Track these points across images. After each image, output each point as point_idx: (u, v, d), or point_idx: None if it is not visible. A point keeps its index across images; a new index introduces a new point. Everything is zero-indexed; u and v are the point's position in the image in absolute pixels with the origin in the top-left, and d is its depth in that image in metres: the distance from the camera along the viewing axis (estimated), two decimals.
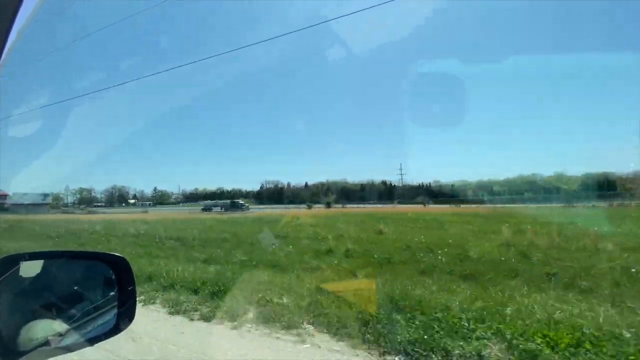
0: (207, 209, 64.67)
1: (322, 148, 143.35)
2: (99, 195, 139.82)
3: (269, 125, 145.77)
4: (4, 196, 78.89)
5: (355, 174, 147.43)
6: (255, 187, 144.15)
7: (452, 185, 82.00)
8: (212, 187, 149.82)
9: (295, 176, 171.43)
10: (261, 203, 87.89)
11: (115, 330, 1.31)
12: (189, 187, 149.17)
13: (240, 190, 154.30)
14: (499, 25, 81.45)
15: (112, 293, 1.41)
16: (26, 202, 59.97)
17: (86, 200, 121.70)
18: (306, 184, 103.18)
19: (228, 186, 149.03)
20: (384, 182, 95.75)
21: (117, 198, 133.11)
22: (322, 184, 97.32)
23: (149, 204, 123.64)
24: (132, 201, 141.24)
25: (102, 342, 1.29)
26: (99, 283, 1.48)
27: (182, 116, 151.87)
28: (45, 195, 67.59)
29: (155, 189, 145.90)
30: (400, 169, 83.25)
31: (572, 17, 76.73)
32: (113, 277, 1.42)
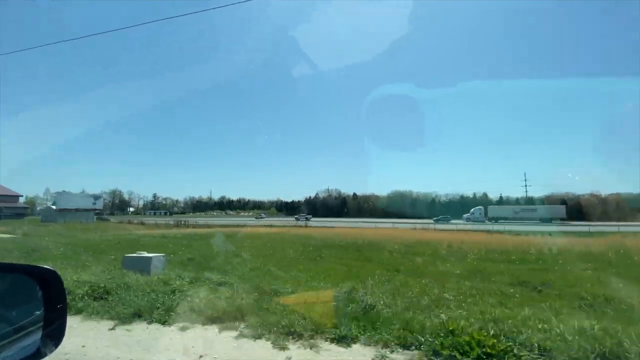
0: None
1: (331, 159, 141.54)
2: None
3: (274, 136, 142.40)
4: (14, 197, 65.90)
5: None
6: (271, 198, 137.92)
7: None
8: (214, 195, 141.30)
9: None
10: (315, 215, 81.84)
11: (37, 354, 1.15)
12: (188, 195, 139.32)
13: (247, 201, 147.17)
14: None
15: (38, 312, 1.22)
16: (72, 207, 48.99)
17: None
18: (354, 195, 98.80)
19: (233, 195, 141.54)
20: (501, 197, 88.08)
21: (117, 205, 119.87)
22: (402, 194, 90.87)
23: (165, 213, 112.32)
24: (131, 209, 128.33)
25: None
26: (24, 300, 1.29)
27: (182, 121, 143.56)
28: (96, 198, 55.57)
29: (154, 195, 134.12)
30: (525, 180, 75.83)
31: (530, 44, 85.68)
32: (40, 293, 1.23)
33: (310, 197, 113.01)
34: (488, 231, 30.48)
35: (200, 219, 69.49)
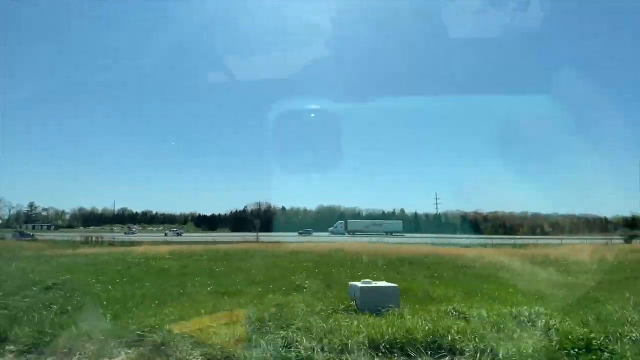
0: None
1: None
2: None
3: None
4: None
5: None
6: (183, 211, 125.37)
7: None
8: (110, 207, 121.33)
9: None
10: (234, 230, 77.78)
11: None
12: (77, 206, 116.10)
13: (155, 214, 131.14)
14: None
15: None
16: None
17: None
18: (283, 208, 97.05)
19: (139, 208, 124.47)
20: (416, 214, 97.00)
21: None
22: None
23: (47, 227, 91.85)
24: None
25: None
26: None
27: (69, 120, 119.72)
28: None
29: (32, 205, 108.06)
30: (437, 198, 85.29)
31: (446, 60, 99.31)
32: None
33: (237, 210, 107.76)
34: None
35: (103, 234, 58.49)
